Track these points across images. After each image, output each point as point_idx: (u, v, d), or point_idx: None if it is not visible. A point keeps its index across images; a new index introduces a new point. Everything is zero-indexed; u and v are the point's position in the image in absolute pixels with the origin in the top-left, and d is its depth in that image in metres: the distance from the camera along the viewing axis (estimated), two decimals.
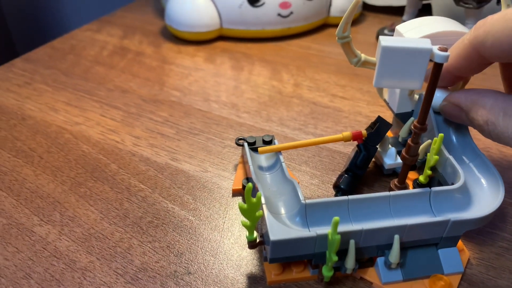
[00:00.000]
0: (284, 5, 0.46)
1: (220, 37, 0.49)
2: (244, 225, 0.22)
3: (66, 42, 0.48)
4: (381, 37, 0.21)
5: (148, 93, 0.39)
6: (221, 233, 0.26)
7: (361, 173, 0.29)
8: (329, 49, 0.48)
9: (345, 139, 0.29)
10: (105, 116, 0.36)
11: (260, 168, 0.28)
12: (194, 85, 0.41)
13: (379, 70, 0.21)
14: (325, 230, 0.21)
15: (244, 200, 0.28)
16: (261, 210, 0.22)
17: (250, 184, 0.21)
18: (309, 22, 0.49)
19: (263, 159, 0.29)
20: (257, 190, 0.24)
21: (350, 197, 0.23)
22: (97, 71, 0.42)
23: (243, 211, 0.22)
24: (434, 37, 0.27)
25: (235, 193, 0.29)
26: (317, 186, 0.29)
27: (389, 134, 0.33)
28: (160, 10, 0.55)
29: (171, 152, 0.32)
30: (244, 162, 0.30)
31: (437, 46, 0.20)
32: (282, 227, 0.21)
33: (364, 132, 0.29)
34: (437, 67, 0.21)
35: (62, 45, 0.47)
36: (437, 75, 0.21)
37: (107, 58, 0.45)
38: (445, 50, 0.20)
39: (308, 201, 0.23)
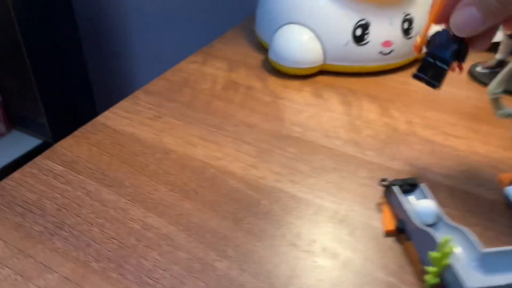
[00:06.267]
0: (386, 44, 0.49)
1: (321, 71, 0.52)
2: (431, 272, 0.25)
3: (177, 74, 0.51)
4: None
5: (272, 129, 0.42)
6: (395, 276, 0.28)
7: None
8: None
9: None
10: (240, 151, 0.39)
11: None
12: (311, 120, 0.43)
13: None
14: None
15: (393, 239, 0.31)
16: (448, 259, 0.24)
17: (448, 237, 0.23)
18: (406, 59, 0.52)
19: (411, 201, 0.32)
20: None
21: None
22: (217, 105, 0.45)
23: (434, 259, 0.24)
24: None
25: (388, 234, 0.31)
26: None
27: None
28: (255, 42, 0.58)
29: (313, 189, 0.35)
30: (390, 203, 0.33)
31: None
32: (473, 275, 0.24)
33: None
34: None
35: (174, 77, 0.50)
36: None
37: (222, 92, 0.48)
38: None
39: (486, 250, 0.25)
